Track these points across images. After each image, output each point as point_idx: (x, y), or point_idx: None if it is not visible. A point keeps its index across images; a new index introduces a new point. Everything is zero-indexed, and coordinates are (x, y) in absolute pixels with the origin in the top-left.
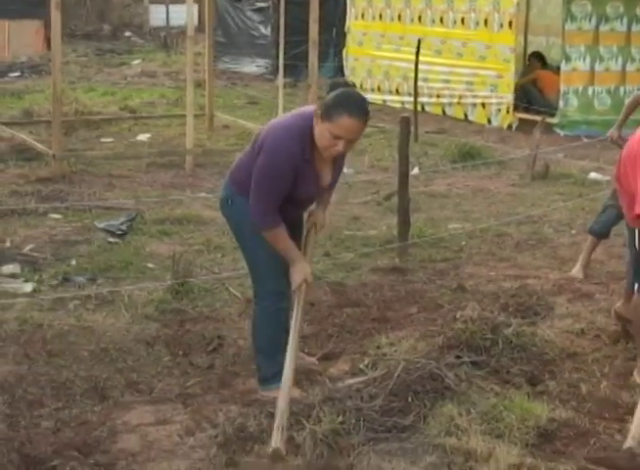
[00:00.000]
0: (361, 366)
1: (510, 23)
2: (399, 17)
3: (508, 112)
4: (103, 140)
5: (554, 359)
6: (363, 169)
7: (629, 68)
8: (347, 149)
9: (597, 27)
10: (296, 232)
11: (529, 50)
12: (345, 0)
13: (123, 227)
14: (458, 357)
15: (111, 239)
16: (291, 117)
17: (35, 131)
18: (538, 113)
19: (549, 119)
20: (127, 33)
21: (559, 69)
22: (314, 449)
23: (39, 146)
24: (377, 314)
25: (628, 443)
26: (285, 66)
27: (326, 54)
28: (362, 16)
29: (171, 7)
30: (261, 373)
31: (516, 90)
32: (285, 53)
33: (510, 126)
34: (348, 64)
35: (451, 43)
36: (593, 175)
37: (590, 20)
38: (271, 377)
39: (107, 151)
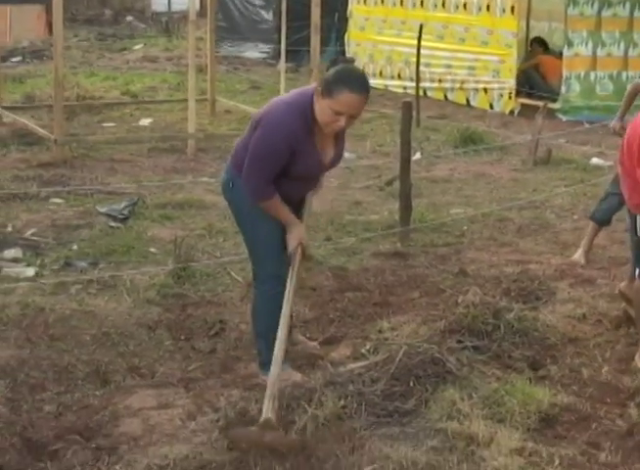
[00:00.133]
0: (363, 351)
1: (512, 9)
2: (401, 1)
3: (510, 97)
4: (104, 125)
5: (555, 344)
6: (365, 154)
7: (631, 53)
8: (349, 124)
9: (599, 13)
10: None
11: (532, 35)
12: None
13: (125, 212)
14: (460, 342)
15: (112, 223)
16: (291, 95)
17: (37, 116)
18: (540, 98)
19: (551, 105)
20: (129, 18)
21: (561, 54)
22: (316, 434)
23: (41, 131)
24: (378, 299)
25: None
26: (287, 50)
27: (328, 39)
28: (364, 0)
29: None
30: (262, 357)
31: (518, 75)
32: (287, 38)
33: (512, 112)
34: (350, 49)
35: (453, 28)
36: (595, 161)
37: (592, 5)
38: (270, 361)
39: (108, 135)
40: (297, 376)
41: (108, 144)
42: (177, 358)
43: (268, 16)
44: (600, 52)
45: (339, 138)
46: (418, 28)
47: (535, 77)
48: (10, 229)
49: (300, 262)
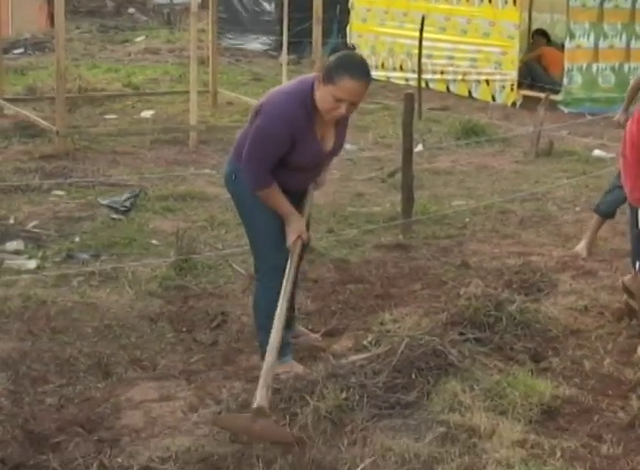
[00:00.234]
0: (365, 343)
1: (514, 0)
2: None
3: (512, 89)
4: (106, 117)
5: (557, 336)
6: (367, 146)
7: (634, 45)
8: (349, 112)
9: (601, 4)
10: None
11: (534, 27)
12: None
13: (127, 204)
14: (462, 334)
15: (114, 215)
16: (291, 84)
17: (39, 108)
18: (542, 90)
19: (553, 97)
20: (131, 10)
21: (563, 46)
22: (318, 426)
23: (43, 123)
24: (380, 291)
25: None
26: (289, 42)
27: (330, 30)
28: None
29: None
30: (264, 349)
31: (520, 67)
32: (289, 29)
33: (514, 103)
34: (352, 40)
35: (455, 20)
36: (597, 152)
37: None
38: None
39: (110, 127)
40: (299, 368)
41: (110, 136)
42: (179, 350)
43: (270, 7)
44: (602, 44)
45: (339, 127)
46: (420, 20)
47: (537, 69)
48: (12, 221)
49: (299, 255)
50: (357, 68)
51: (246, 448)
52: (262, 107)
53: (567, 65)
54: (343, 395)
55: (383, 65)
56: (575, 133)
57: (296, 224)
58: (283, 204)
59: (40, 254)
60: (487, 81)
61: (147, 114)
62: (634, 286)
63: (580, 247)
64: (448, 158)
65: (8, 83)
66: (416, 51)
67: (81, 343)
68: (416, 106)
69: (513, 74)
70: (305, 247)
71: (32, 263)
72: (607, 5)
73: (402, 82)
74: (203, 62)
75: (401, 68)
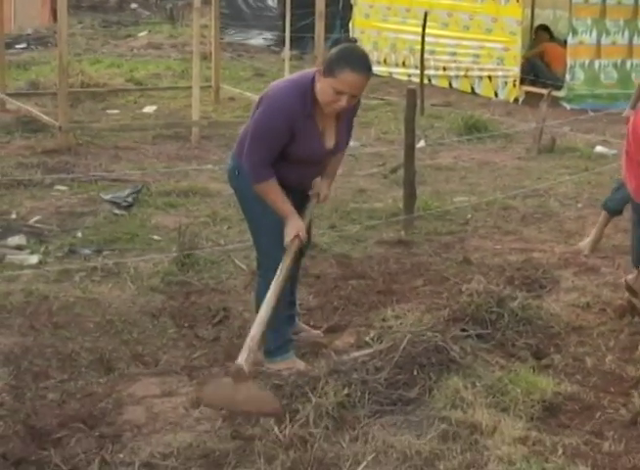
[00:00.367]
0: (366, 339)
1: None
2: None
3: (514, 85)
4: (109, 112)
5: (559, 333)
6: (369, 142)
7: (636, 41)
8: (350, 104)
9: (604, 1)
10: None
11: (536, 23)
12: None
13: (129, 199)
14: (463, 330)
15: (116, 211)
16: (292, 77)
17: (41, 103)
18: (545, 86)
19: (555, 93)
20: (133, 5)
21: (565, 42)
22: (319, 422)
23: (45, 118)
24: (382, 287)
25: None
26: (291, 38)
27: (332, 26)
28: None
29: None
30: (266, 345)
31: (522, 63)
32: (291, 25)
33: (516, 99)
34: (355, 36)
35: (458, 16)
36: (599, 149)
37: None
38: (275, 349)
39: (113, 123)
40: (301, 364)
41: (112, 131)
42: (181, 346)
43: (273, 3)
44: (604, 40)
45: (341, 124)
46: (422, 16)
47: (540, 65)
48: (14, 216)
49: (296, 254)
50: (358, 60)
51: (247, 445)
52: (263, 99)
53: (569, 61)
54: (345, 391)
55: (385, 60)
56: (578, 130)
57: (294, 223)
58: (282, 201)
59: (42, 249)
60: (490, 77)
61: (149, 109)
62: (637, 285)
63: (584, 243)
64: (450, 154)
65: (10, 78)
66: (418, 47)
67: (83, 338)
68: (418, 102)
69: (515, 70)
70: (306, 246)
71: (34, 258)
72: (609, 1)
73: (405, 78)
74: (205, 57)
75: (404, 63)
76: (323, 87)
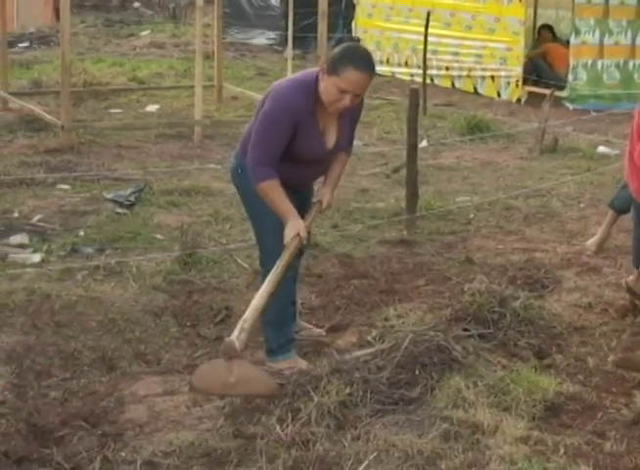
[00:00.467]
0: (369, 338)
1: None
2: None
3: (517, 85)
4: (111, 111)
5: (561, 333)
6: (372, 142)
7: (639, 41)
8: (354, 103)
9: (607, 1)
10: (304, 212)
11: (539, 23)
12: None
13: (131, 198)
14: (465, 330)
15: (119, 210)
16: (295, 75)
17: (44, 102)
18: (547, 86)
19: (558, 93)
20: (136, 4)
21: (568, 42)
22: (321, 421)
23: (48, 117)
24: (384, 286)
25: None
26: (294, 37)
27: (335, 25)
28: None
29: None
30: (268, 345)
31: (525, 63)
32: (294, 24)
33: (519, 100)
34: (357, 36)
35: (460, 16)
36: (601, 149)
37: None
38: (277, 349)
39: (115, 122)
40: (303, 364)
41: (114, 130)
42: (183, 345)
43: (275, 2)
44: (607, 40)
45: (342, 124)
46: (425, 16)
47: (542, 66)
48: (16, 215)
49: (294, 253)
50: (361, 59)
51: (249, 443)
52: (267, 96)
53: (572, 61)
54: (347, 390)
55: (388, 60)
56: (580, 130)
57: (294, 222)
58: (282, 202)
59: (45, 247)
60: (492, 77)
61: (152, 108)
62: (638, 287)
63: (591, 242)
64: (453, 154)
65: (13, 77)
66: (421, 47)
67: (85, 337)
68: (421, 102)
69: (518, 71)
70: (305, 247)
71: (37, 257)
72: (612, 1)
73: (407, 78)
74: (208, 56)
75: (406, 63)
76: (327, 86)
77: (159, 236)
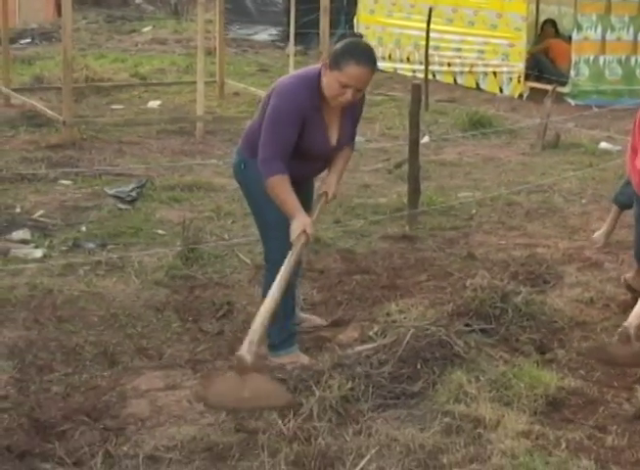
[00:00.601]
0: (370, 333)
1: None
2: None
3: (519, 81)
4: (113, 107)
5: (563, 328)
6: (374, 137)
7: None
8: (356, 98)
9: None
10: (306, 205)
11: (541, 19)
12: None
13: (133, 193)
14: (467, 325)
15: (121, 205)
16: (298, 72)
17: (46, 98)
18: (549, 82)
19: (560, 89)
20: (138, 0)
21: (570, 38)
22: (323, 416)
23: (50, 112)
24: (386, 282)
25: (623, 324)
26: (296, 33)
27: (337, 22)
28: None
29: None
30: (271, 339)
31: (527, 59)
32: (296, 21)
33: (521, 95)
34: (360, 31)
35: (462, 11)
36: (604, 145)
37: None
38: (279, 343)
39: (117, 117)
40: (305, 358)
41: (116, 126)
42: (185, 340)
43: None
44: (609, 36)
45: (345, 119)
46: (427, 12)
47: (544, 61)
48: (18, 210)
49: (302, 250)
50: (363, 54)
51: (251, 438)
52: (272, 93)
53: (574, 57)
54: (349, 385)
55: (390, 56)
56: (582, 125)
57: (301, 219)
58: (289, 198)
59: (47, 243)
60: (495, 73)
61: (154, 104)
62: (636, 283)
63: (598, 235)
64: (455, 149)
65: (15, 73)
66: (423, 42)
67: (87, 332)
68: (423, 97)
69: (520, 66)
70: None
71: (39, 252)
72: None
73: (409, 74)
74: (210, 52)
75: (408, 59)
76: (329, 81)
77: (160, 231)
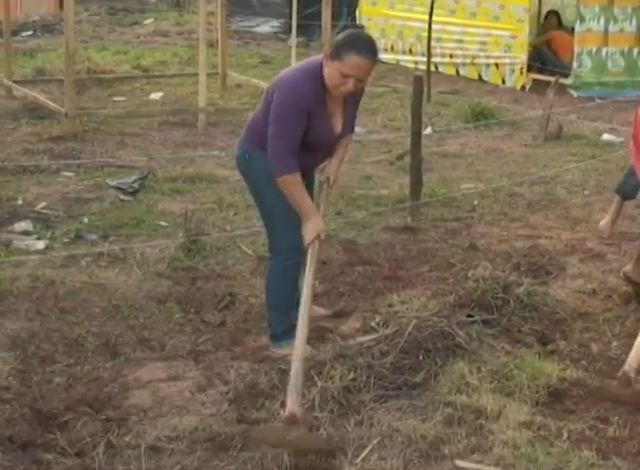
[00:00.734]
0: (372, 324)
1: None
2: None
3: (521, 72)
4: (115, 99)
5: (565, 319)
6: (376, 129)
7: None
8: (357, 88)
9: None
10: (308, 191)
11: (544, 10)
12: None
13: (135, 185)
14: (469, 316)
15: (123, 197)
16: (301, 64)
17: (48, 90)
18: (552, 73)
19: (562, 80)
20: None
21: (573, 29)
22: (325, 406)
23: (52, 104)
24: (388, 273)
25: (623, 368)
26: (298, 25)
27: (339, 13)
28: None
29: None
30: (273, 330)
31: (529, 51)
32: (298, 12)
33: (523, 87)
34: (362, 23)
35: (465, 3)
36: (606, 136)
37: None
38: (282, 334)
39: (119, 109)
40: (307, 349)
41: (118, 118)
42: (187, 331)
43: None
44: (612, 28)
45: (347, 109)
46: (429, 3)
47: (547, 53)
48: (20, 202)
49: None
50: (364, 44)
51: (253, 428)
52: (275, 86)
53: (576, 48)
54: (351, 375)
55: (392, 48)
56: (585, 117)
57: (314, 222)
58: (303, 198)
59: (49, 234)
60: (497, 65)
61: (156, 96)
62: (635, 275)
63: (604, 223)
64: (457, 141)
65: (17, 65)
66: (425, 34)
67: (89, 323)
68: (425, 89)
69: (522, 58)
70: None
71: (41, 244)
72: None
73: (411, 65)
74: (212, 44)
75: (410, 51)
76: (330, 71)
77: (162, 223)
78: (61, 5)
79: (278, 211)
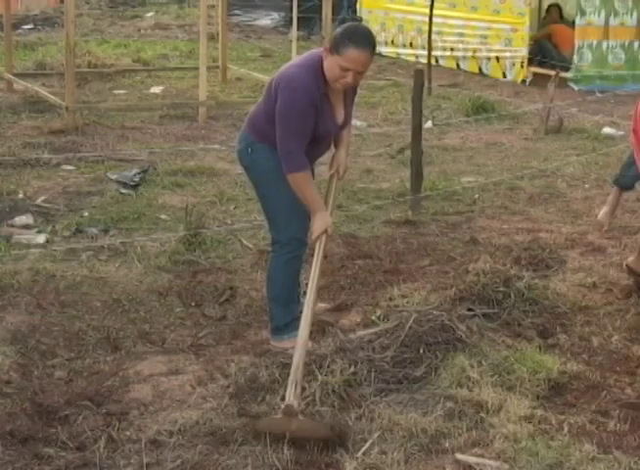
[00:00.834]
0: (373, 318)
1: None
2: None
3: (522, 66)
4: (116, 92)
5: (565, 313)
6: (376, 122)
7: None
8: (356, 81)
9: None
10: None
11: (545, 4)
12: None
13: (136, 179)
14: (470, 310)
15: (123, 190)
16: (301, 58)
17: (48, 83)
18: (552, 67)
19: (563, 74)
20: None
21: (573, 23)
22: (326, 400)
23: (52, 98)
24: (389, 266)
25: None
26: (298, 18)
27: (339, 7)
28: None
29: None
30: (274, 323)
31: (530, 44)
32: (298, 6)
33: (524, 80)
34: (362, 16)
35: None
36: (606, 130)
37: None
38: (283, 327)
39: (120, 103)
40: (308, 343)
41: (119, 111)
42: (187, 325)
43: None
44: (612, 21)
45: (347, 100)
46: None
47: (548, 47)
48: (21, 196)
49: (323, 252)
50: (362, 38)
51: (253, 422)
52: (278, 84)
53: (577, 42)
54: (352, 369)
55: (393, 41)
56: (585, 111)
57: (322, 218)
58: (313, 195)
59: (49, 228)
60: (498, 58)
61: (156, 89)
62: (637, 265)
63: (603, 214)
64: (458, 134)
65: (17, 59)
66: (426, 28)
67: (90, 317)
68: (426, 82)
69: (523, 51)
70: None
71: (41, 238)
72: None
73: (412, 59)
74: (212, 38)
75: (411, 44)
76: (330, 65)
77: (163, 216)
78: None
79: (280, 203)
